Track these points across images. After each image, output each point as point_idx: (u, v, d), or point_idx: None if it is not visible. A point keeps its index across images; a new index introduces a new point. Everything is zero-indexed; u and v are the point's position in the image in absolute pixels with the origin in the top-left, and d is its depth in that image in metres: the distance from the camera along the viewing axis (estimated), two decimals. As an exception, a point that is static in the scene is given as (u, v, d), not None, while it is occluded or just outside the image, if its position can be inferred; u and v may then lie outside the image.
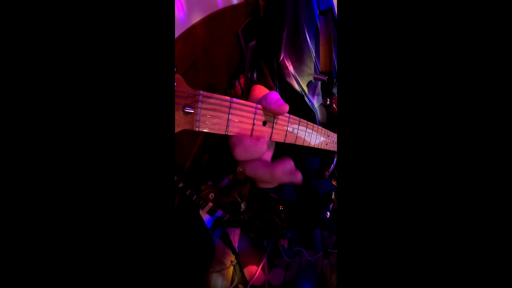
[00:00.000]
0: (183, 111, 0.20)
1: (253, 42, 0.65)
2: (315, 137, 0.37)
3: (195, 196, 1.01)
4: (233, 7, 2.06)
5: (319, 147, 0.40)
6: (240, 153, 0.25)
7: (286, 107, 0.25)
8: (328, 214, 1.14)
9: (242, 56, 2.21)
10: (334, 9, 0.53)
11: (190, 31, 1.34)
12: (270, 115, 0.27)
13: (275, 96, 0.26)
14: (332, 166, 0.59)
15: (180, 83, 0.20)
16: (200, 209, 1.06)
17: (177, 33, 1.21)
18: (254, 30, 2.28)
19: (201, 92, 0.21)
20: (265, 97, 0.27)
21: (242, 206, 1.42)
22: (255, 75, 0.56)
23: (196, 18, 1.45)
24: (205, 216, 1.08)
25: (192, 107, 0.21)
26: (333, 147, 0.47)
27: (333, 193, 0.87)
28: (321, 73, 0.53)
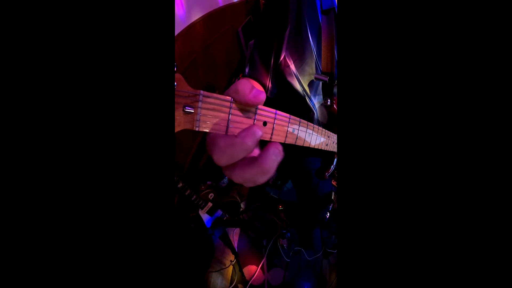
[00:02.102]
0: (183, 110, 0.20)
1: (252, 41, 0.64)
2: (316, 137, 0.37)
3: (194, 196, 1.00)
4: (233, 5, 2.05)
5: (320, 147, 0.40)
6: (218, 157, 0.21)
7: (262, 96, 0.21)
8: (328, 214, 1.14)
9: (242, 54, 2.20)
10: (337, 9, 0.52)
11: (190, 29, 1.33)
12: (247, 109, 0.23)
13: (246, 85, 0.21)
14: (332, 166, 0.59)
15: (180, 83, 0.20)
16: (200, 209, 1.06)
17: (177, 30, 1.21)
18: (254, 28, 2.26)
19: (202, 91, 0.21)
20: (234, 89, 0.22)
21: (242, 205, 1.41)
22: (247, 70, 0.55)
23: (196, 15, 1.44)
24: (205, 216, 1.07)
25: (192, 107, 0.20)
26: (333, 147, 0.47)
27: (333, 194, 0.87)
28: (322, 73, 0.53)
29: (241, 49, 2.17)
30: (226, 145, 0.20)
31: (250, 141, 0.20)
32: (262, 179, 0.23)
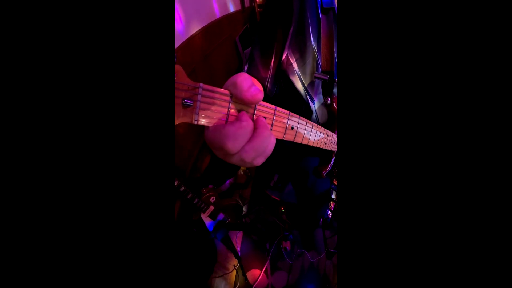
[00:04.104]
0: (183, 103, 0.20)
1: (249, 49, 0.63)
2: (315, 134, 0.37)
3: (196, 200, 1.02)
4: (230, 16, 2.12)
5: (318, 146, 0.40)
6: (233, 144, 0.21)
7: (261, 95, 0.22)
8: (330, 214, 1.14)
9: (240, 62, 2.26)
10: (336, 9, 0.53)
11: (189, 42, 1.37)
12: (247, 104, 0.24)
13: (246, 81, 0.22)
14: (329, 165, 0.60)
15: (180, 75, 0.20)
16: (202, 213, 1.07)
17: (176, 44, 1.23)
18: (252, 36, 2.33)
19: (201, 84, 0.21)
20: (233, 83, 0.22)
21: (244, 209, 1.41)
22: (245, 68, 0.55)
23: (195, 29, 1.49)
24: (207, 220, 1.08)
25: (191, 100, 0.20)
26: (332, 147, 0.46)
27: (334, 193, 0.88)
28: (322, 72, 0.53)
29: (239, 57, 2.23)
30: (236, 129, 0.21)
31: (252, 122, 0.23)
32: (270, 145, 0.25)
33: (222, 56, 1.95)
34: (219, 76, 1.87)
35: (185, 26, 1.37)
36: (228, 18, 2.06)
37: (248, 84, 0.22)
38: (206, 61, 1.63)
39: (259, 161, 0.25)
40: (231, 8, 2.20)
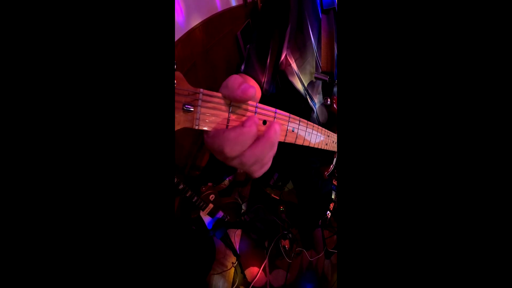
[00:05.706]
0: (183, 109, 0.20)
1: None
2: (315, 136, 0.37)
3: (195, 198, 1.01)
4: (231, 9, 2.08)
5: (319, 147, 0.40)
6: (231, 148, 0.22)
7: (252, 91, 0.22)
8: (329, 214, 1.14)
9: (241, 58, 2.23)
10: (337, 8, 0.52)
11: (189, 35, 1.35)
12: (247, 108, 0.24)
13: (236, 80, 0.22)
14: (331, 166, 0.59)
15: (180, 81, 0.20)
16: (201, 211, 1.06)
17: (176, 37, 1.22)
18: (253, 31, 2.29)
19: (202, 90, 0.21)
20: (224, 84, 0.23)
21: (243, 207, 1.41)
22: (242, 67, 0.54)
23: (195, 21, 1.46)
24: (206, 218, 1.08)
25: (192, 105, 0.21)
26: (333, 147, 0.46)
27: (333, 193, 0.87)
28: (322, 72, 0.53)
29: (240, 53, 2.20)
30: (237, 135, 0.22)
31: (255, 128, 0.23)
32: (271, 152, 0.25)
33: (223, 51, 1.92)
34: (220, 71, 1.85)
35: (186, 18, 1.34)
36: (229, 12, 2.02)
37: (238, 82, 0.22)
38: (207, 56, 1.60)
39: (256, 168, 0.25)
40: (233, 2, 2.15)
